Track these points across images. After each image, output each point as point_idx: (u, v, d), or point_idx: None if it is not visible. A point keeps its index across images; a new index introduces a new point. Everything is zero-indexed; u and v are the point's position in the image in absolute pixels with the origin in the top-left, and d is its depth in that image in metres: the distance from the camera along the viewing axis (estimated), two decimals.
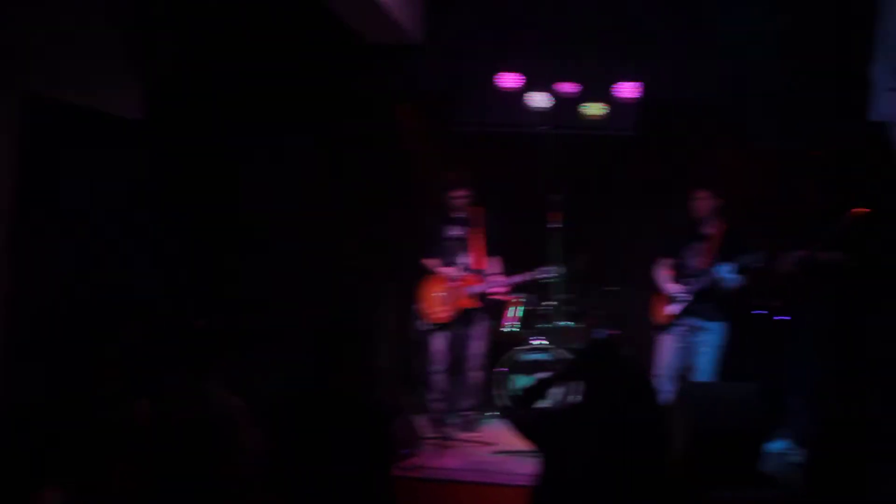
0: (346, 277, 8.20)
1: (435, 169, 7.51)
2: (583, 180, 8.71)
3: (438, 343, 7.04)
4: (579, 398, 3.79)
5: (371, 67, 7.91)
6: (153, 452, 4.12)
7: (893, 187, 5.94)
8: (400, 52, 7.91)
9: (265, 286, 7.69)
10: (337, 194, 8.24)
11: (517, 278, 6.99)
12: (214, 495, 4.07)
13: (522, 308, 7.80)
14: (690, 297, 6.77)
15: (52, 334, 5.78)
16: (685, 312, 6.81)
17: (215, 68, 7.46)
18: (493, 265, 7.07)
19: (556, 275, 6.88)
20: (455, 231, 7.02)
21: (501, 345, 7.73)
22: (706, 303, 6.73)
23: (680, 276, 6.91)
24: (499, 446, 6.50)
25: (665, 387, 6.65)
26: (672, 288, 6.86)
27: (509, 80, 7.78)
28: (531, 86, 7.79)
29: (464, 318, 6.95)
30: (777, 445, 6.39)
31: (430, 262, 7.08)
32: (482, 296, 7.01)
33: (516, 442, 3.97)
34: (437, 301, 7.02)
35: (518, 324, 7.79)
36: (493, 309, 7.64)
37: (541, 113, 7.81)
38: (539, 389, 4.17)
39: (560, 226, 6.99)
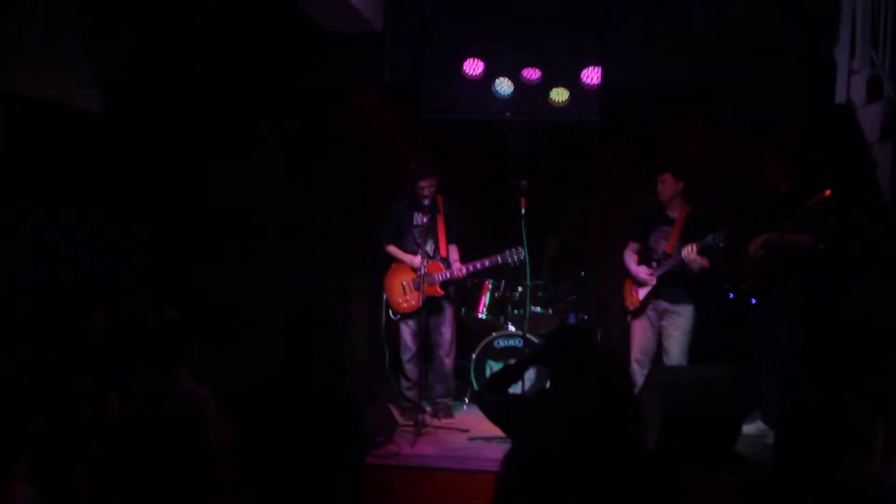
0: (315, 267, 8.16)
1: (401, 158, 7.46)
2: (549, 166, 8.73)
3: (407, 332, 7.01)
4: (549, 383, 3.77)
5: (334, 57, 7.86)
6: (123, 446, 4.07)
7: (859, 169, 5.96)
8: (362, 42, 7.87)
9: (233, 277, 7.64)
10: (303, 184, 8.20)
11: (480, 263, 6.96)
12: (184, 488, 4.02)
13: (491, 294, 7.78)
14: (657, 281, 6.79)
15: (17, 328, 5.70)
16: (653, 296, 6.82)
17: (175, 59, 7.39)
18: (451, 253, 7.04)
19: (519, 259, 6.85)
20: (421, 219, 6.97)
21: (474, 332, 7.73)
22: (674, 286, 6.75)
23: (647, 259, 6.91)
24: (473, 433, 6.48)
25: (638, 371, 6.67)
26: (640, 272, 6.88)
27: (473, 67, 7.74)
28: (495, 73, 7.75)
29: (431, 306, 6.91)
30: (751, 427, 6.42)
31: (395, 251, 7.03)
32: (447, 283, 6.98)
33: (491, 428, 3.94)
34: (403, 290, 6.98)
35: (486, 310, 7.77)
36: (461, 296, 7.63)
37: (505, 100, 7.78)
38: (509, 375, 4.13)
39: (527, 212, 6.95)
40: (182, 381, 4.20)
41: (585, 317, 7.97)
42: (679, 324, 6.73)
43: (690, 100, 7.99)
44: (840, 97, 5.81)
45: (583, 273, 8.20)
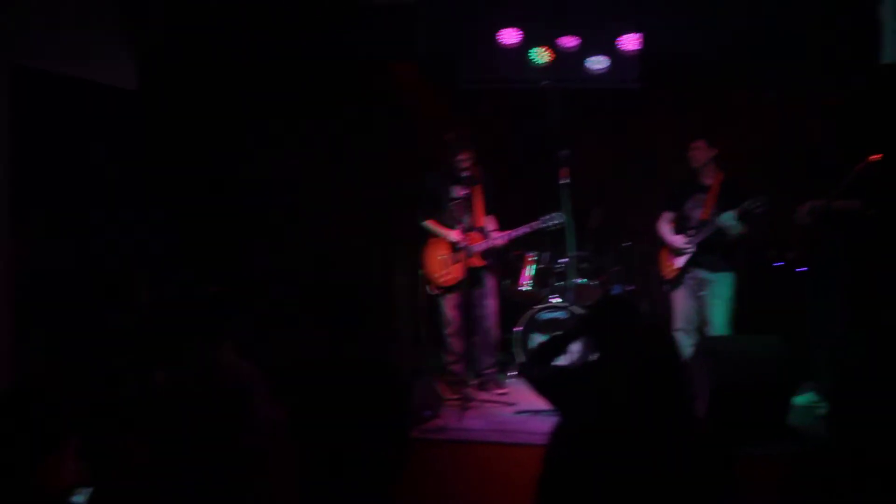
0: (357, 242, 8.13)
1: (438, 130, 7.39)
2: (590, 135, 8.62)
3: (449, 305, 6.97)
4: (595, 355, 3.71)
5: (368, 29, 7.78)
6: (170, 421, 4.06)
7: None
8: (397, 12, 7.77)
9: (276, 251, 7.63)
10: (341, 158, 8.15)
11: (520, 230, 6.90)
12: (231, 465, 4.01)
13: (534, 266, 7.72)
14: (695, 249, 6.69)
15: (61, 307, 5.73)
16: (691, 264, 6.74)
17: (209, 35, 7.35)
18: (489, 223, 6.97)
19: (559, 223, 6.79)
20: (459, 192, 6.91)
21: (519, 304, 7.66)
22: (711, 254, 6.67)
23: (682, 228, 6.83)
24: (519, 406, 6.46)
25: (684, 341, 6.58)
26: (676, 240, 6.78)
27: (510, 36, 7.64)
28: (532, 41, 7.65)
29: (473, 278, 6.86)
30: (802, 399, 6.32)
31: (433, 226, 6.98)
32: (488, 253, 6.92)
33: (537, 401, 3.89)
34: (443, 264, 6.93)
35: (532, 282, 7.71)
36: (503, 268, 7.57)
37: (542, 68, 7.67)
38: (554, 347, 4.08)
39: (569, 182, 6.87)
40: (226, 356, 4.18)
41: (631, 287, 7.88)
42: (719, 292, 6.65)
43: (732, 64, 7.83)
44: (887, 56, 5.68)
45: (628, 243, 8.09)
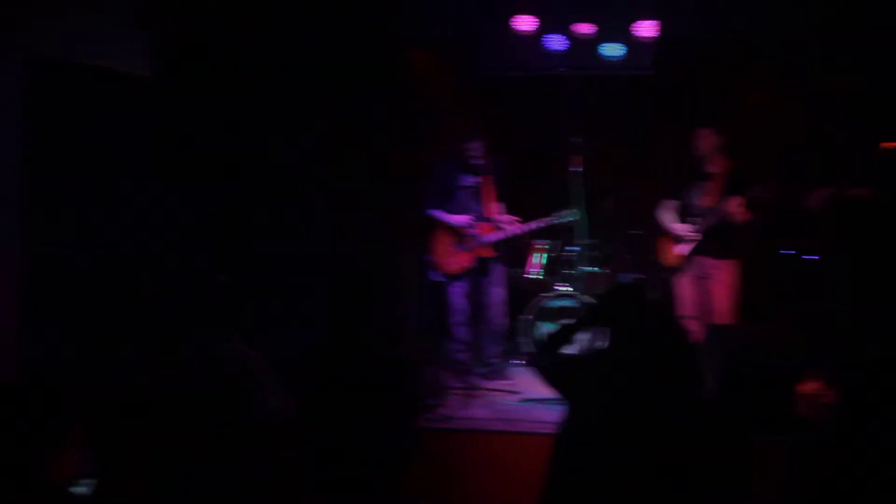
0: (365, 229, 8.13)
1: (452, 116, 7.38)
2: (604, 122, 8.60)
3: (457, 294, 6.97)
4: (605, 344, 3.71)
5: (384, 14, 7.77)
6: (176, 411, 4.09)
7: None
8: None
9: (284, 240, 7.63)
10: (353, 144, 8.14)
11: (532, 225, 6.89)
12: (238, 455, 4.03)
13: (546, 255, 7.71)
14: (698, 237, 6.67)
15: (70, 297, 5.75)
16: (695, 252, 6.73)
17: (224, 21, 7.35)
18: (499, 211, 6.95)
19: (571, 219, 6.78)
20: (470, 180, 6.90)
21: (526, 292, 7.67)
22: (716, 241, 6.66)
23: (685, 216, 6.82)
24: (525, 394, 6.47)
25: (690, 329, 6.57)
26: (679, 228, 6.77)
27: (525, 22, 7.61)
28: (547, 28, 7.62)
29: (480, 268, 6.86)
30: (808, 387, 6.29)
31: (440, 215, 6.97)
32: (497, 244, 6.92)
33: (543, 390, 3.89)
34: (451, 252, 6.93)
35: (542, 270, 7.70)
36: (512, 256, 7.57)
37: (558, 55, 7.65)
38: (563, 336, 4.09)
39: (582, 169, 6.86)
40: (233, 346, 4.21)
41: (641, 276, 7.87)
42: (724, 279, 6.64)
43: (748, 50, 7.79)
44: None
45: (638, 231, 8.08)
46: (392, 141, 8.29)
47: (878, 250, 6.32)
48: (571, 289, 7.39)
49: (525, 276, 7.73)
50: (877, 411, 3.00)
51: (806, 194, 6.51)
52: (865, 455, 3.00)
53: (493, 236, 6.84)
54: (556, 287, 7.48)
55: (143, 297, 5.69)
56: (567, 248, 7.62)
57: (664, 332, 3.38)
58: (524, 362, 7.40)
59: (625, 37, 7.58)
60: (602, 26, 7.60)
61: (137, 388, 4.66)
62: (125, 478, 3.84)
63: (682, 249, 6.78)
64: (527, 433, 5.48)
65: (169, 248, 6.71)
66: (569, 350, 4.17)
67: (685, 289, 6.81)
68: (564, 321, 6.97)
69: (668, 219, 6.91)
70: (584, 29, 7.61)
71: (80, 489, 3.06)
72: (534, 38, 7.64)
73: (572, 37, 7.61)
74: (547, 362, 3.93)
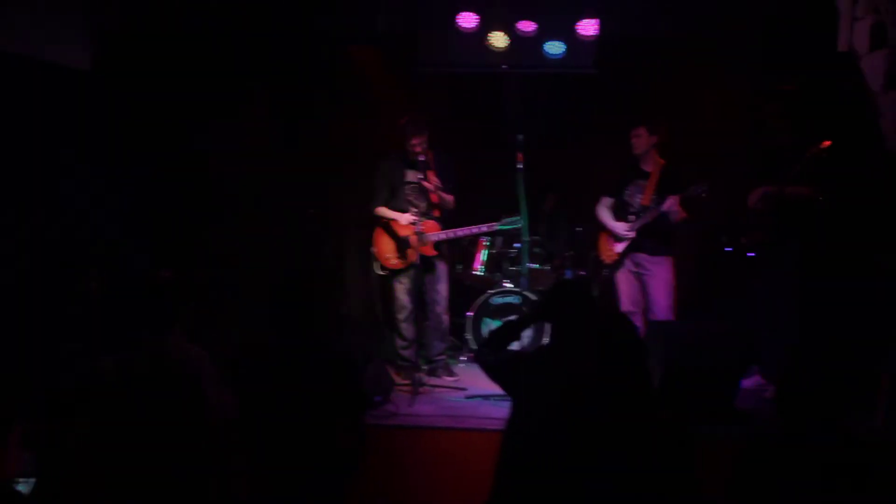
0: (309, 226, 8.08)
1: (395, 113, 7.36)
2: (545, 120, 8.64)
3: (401, 290, 6.94)
4: (548, 340, 3.73)
5: (326, 10, 7.72)
6: (118, 408, 4.02)
7: (861, 119, 5.87)
8: None
9: (229, 237, 7.56)
10: (296, 140, 8.09)
11: (474, 229, 6.91)
12: (183, 449, 3.98)
13: (487, 251, 7.73)
14: (635, 234, 6.76)
15: (8, 293, 5.63)
16: (632, 248, 6.82)
17: (164, 15, 7.25)
18: (445, 203, 6.93)
19: (516, 226, 6.84)
20: (414, 176, 6.87)
21: (471, 289, 7.67)
22: (653, 237, 6.75)
23: (622, 213, 6.91)
24: (470, 391, 6.47)
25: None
26: (618, 227, 6.85)
27: (468, 20, 7.61)
28: (490, 25, 7.63)
29: (425, 264, 6.83)
30: (750, 382, 6.39)
31: (385, 212, 6.94)
32: (441, 244, 6.91)
33: (489, 386, 3.90)
34: (394, 247, 6.90)
35: (484, 267, 7.72)
36: (456, 252, 7.58)
37: (500, 53, 7.67)
38: (508, 332, 4.10)
39: (524, 167, 6.89)
40: (177, 342, 4.15)
41: (583, 272, 7.92)
42: (661, 275, 6.74)
43: (688, 51, 7.88)
44: (842, 45, 5.71)
45: (580, 228, 8.12)
46: (337, 136, 8.25)
47: (817, 247, 6.42)
48: (515, 285, 7.41)
49: (472, 272, 7.74)
50: (815, 405, 3.04)
51: (747, 192, 6.60)
52: (800, 450, 3.05)
53: (438, 236, 6.82)
54: (503, 283, 7.50)
55: (86, 295, 5.58)
56: (511, 244, 7.64)
57: (612, 327, 3.40)
58: (469, 359, 7.41)
59: (567, 35, 7.59)
60: (544, 25, 7.61)
61: (80, 386, 4.58)
62: (67, 477, 3.77)
63: (619, 246, 6.85)
64: (473, 429, 5.45)
65: (110, 244, 6.60)
66: (513, 346, 4.18)
67: (622, 283, 6.88)
68: (508, 318, 7.01)
69: (606, 216, 6.97)
70: (526, 27, 7.62)
71: (20, 488, 3.00)
72: (476, 34, 7.63)
73: (514, 35, 7.61)
74: (491, 359, 3.93)
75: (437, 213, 6.91)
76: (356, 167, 8.00)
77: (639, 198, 6.82)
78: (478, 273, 7.73)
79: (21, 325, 5.48)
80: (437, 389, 6.59)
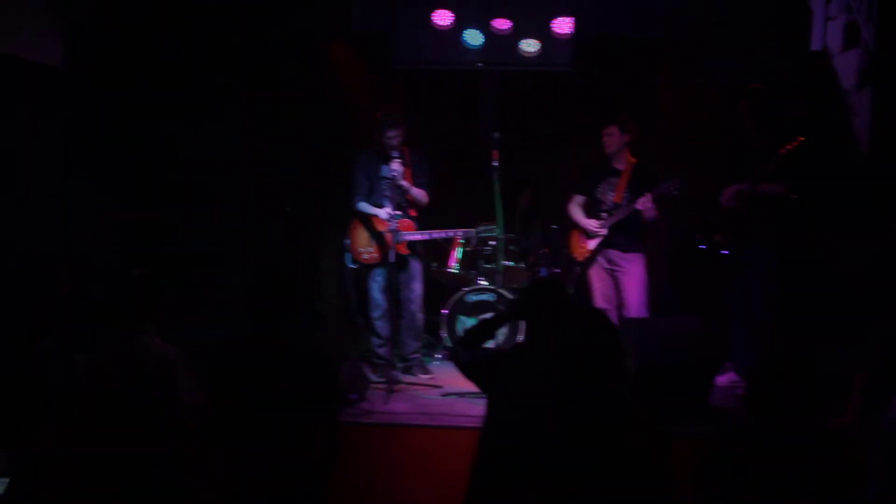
0: (284, 223, 8.05)
1: (370, 109, 7.34)
2: (521, 118, 8.65)
3: (376, 288, 6.92)
4: (524, 338, 3.72)
5: (302, 6, 7.69)
6: (92, 406, 4.00)
7: (834, 117, 5.92)
8: None
9: (203, 233, 7.52)
10: (272, 137, 8.06)
11: (452, 232, 6.93)
12: (155, 448, 3.96)
13: (462, 249, 7.73)
14: (606, 231, 6.80)
15: None
16: (604, 246, 6.86)
17: (138, 11, 7.20)
18: (418, 199, 6.92)
19: (493, 234, 6.87)
20: (389, 171, 6.84)
21: (446, 286, 7.67)
22: (625, 234, 6.79)
23: (594, 211, 6.94)
24: (447, 389, 6.46)
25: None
26: (589, 224, 6.89)
27: (443, 17, 7.61)
28: (465, 23, 7.63)
29: (399, 262, 6.81)
30: (723, 379, 6.43)
31: (365, 207, 6.92)
32: (415, 244, 6.91)
33: (464, 384, 3.89)
34: (369, 242, 6.88)
35: (459, 265, 7.72)
36: (431, 250, 7.57)
37: (476, 50, 7.67)
38: (482, 330, 4.08)
39: (500, 164, 6.89)
40: (151, 340, 4.14)
41: (557, 270, 7.93)
42: (634, 272, 6.78)
43: (663, 49, 7.92)
44: (816, 44, 5.76)
45: (555, 226, 8.14)
46: (311, 131, 8.23)
47: (790, 245, 6.47)
48: (489, 283, 7.42)
49: (447, 270, 7.73)
50: (786, 402, 3.05)
51: (721, 190, 6.64)
52: (773, 447, 3.06)
53: (412, 236, 6.80)
54: (479, 281, 7.51)
55: (59, 292, 5.53)
56: (484, 242, 7.64)
57: (589, 324, 3.39)
58: (444, 357, 7.41)
59: (542, 33, 7.59)
60: (519, 22, 7.62)
61: (53, 384, 4.55)
62: (40, 475, 3.75)
63: (592, 244, 6.88)
64: (449, 427, 5.47)
65: (83, 239, 6.56)
66: (487, 344, 4.18)
67: (595, 280, 6.91)
68: (483, 315, 7.01)
69: (578, 213, 7.00)
70: (501, 24, 7.62)
71: None
72: (451, 32, 7.63)
73: (490, 32, 7.61)
74: (466, 357, 3.92)
75: (413, 213, 6.90)
76: (332, 165, 7.98)
77: (611, 195, 6.85)
78: (453, 271, 7.73)
79: None
80: (412, 387, 6.58)
